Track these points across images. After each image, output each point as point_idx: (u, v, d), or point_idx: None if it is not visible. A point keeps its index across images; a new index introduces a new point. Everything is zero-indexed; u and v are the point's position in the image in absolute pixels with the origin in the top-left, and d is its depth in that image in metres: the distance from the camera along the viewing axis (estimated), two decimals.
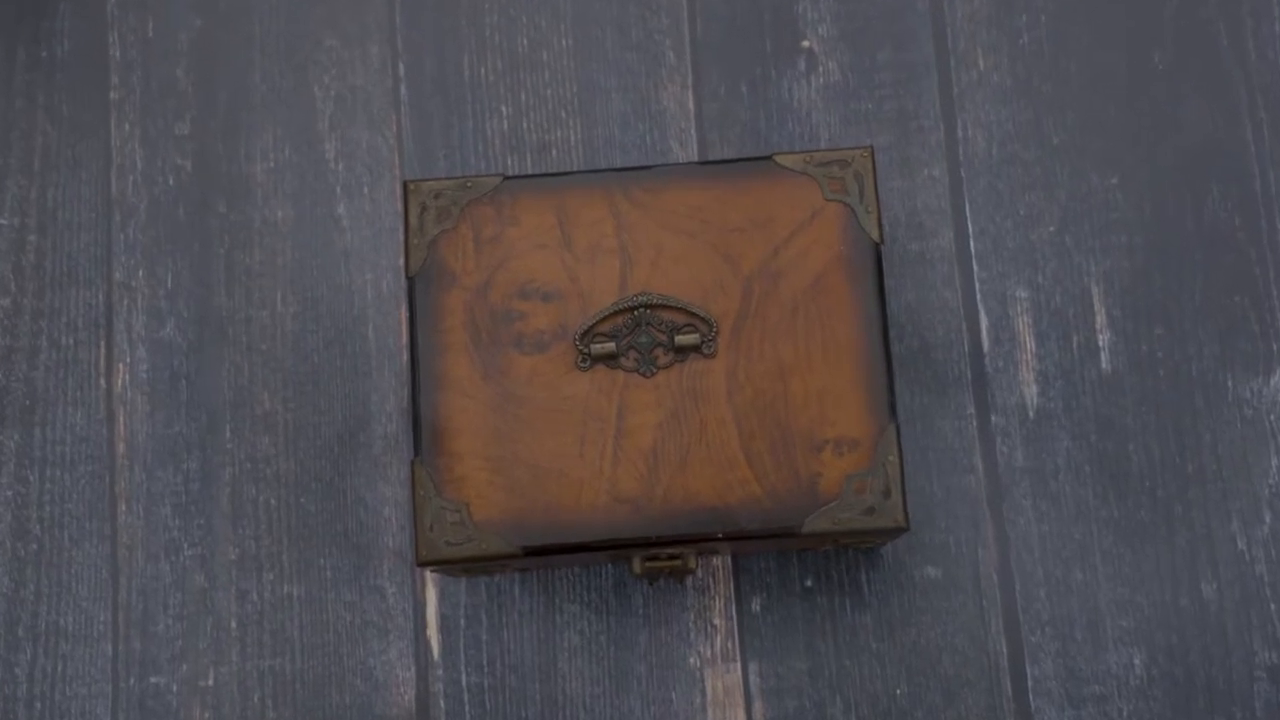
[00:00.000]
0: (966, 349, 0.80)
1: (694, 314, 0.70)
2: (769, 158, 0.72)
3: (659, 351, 0.70)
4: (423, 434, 0.70)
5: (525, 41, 0.85)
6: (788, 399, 0.69)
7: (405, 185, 0.72)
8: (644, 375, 0.70)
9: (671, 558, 0.71)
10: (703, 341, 0.70)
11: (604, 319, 0.70)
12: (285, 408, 0.81)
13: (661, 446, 0.69)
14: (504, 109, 0.84)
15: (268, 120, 0.84)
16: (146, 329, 0.82)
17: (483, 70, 0.85)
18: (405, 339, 0.81)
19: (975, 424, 0.80)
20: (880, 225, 0.71)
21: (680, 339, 0.70)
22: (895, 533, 0.69)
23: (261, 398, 0.81)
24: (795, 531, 0.68)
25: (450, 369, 0.70)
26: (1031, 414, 0.80)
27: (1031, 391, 0.80)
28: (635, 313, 0.70)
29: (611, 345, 0.70)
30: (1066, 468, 0.79)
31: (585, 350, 0.70)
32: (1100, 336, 0.80)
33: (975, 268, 0.81)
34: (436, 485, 0.69)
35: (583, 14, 0.85)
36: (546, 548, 0.69)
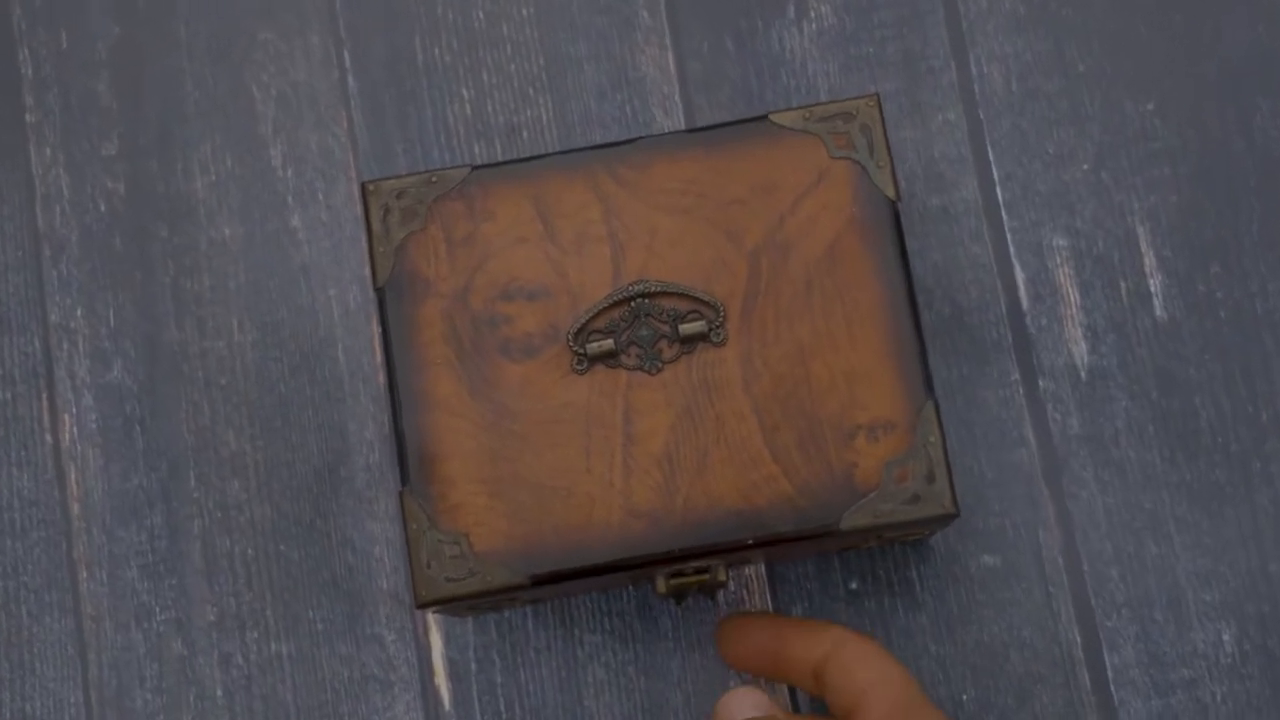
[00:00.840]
0: (1004, 309, 0.80)
1: (698, 299, 0.70)
2: (764, 118, 0.72)
3: (663, 344, 0.70)
4: (409, 461, 0.69)
5: (481, 15, 0.85)
6: (811, 383, 0.69)
7: (363, 187, 0.72)
8: (649, 372, 0.70)
9: (699, 572, 0.71)
10: (710, 329, 0.70)
11: (598, 314, 0.70)
12: (254, 447, 0.81)
13: (676, 450, 0.69)
14: (465, 92, 0.84)
15: (204, 130, 0.84)
16: (91, 374, 0.82)
17: (437, 51, 0.85)
18: (380, 358, 0.81)
19: (1022, 392, 0.80)
20: (895, 181, 0.71)
21: (685, 328, 0.70)
22: (944, 520, 0.69)
23: (226, 438, 0.81)
24: (833, 530, 0.68)
25: (433, 386, 0.70)
26: (1083, 374, 0.80)
27: (1081, 349, 0.80)
28: (633, 304, 0.70)
29: (609, 342, 0.70)
30: (1128, 431, 0.79)
31: (581, 351, 0.70)
32: (1151, 281, 0.80)
33: (1005, 218, 0.81)
34: (430, 516, 0.69)
35: None
36: (558, 574, 0.69)
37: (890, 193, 0.71)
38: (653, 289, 0.70)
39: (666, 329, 0.70)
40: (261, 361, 0.82)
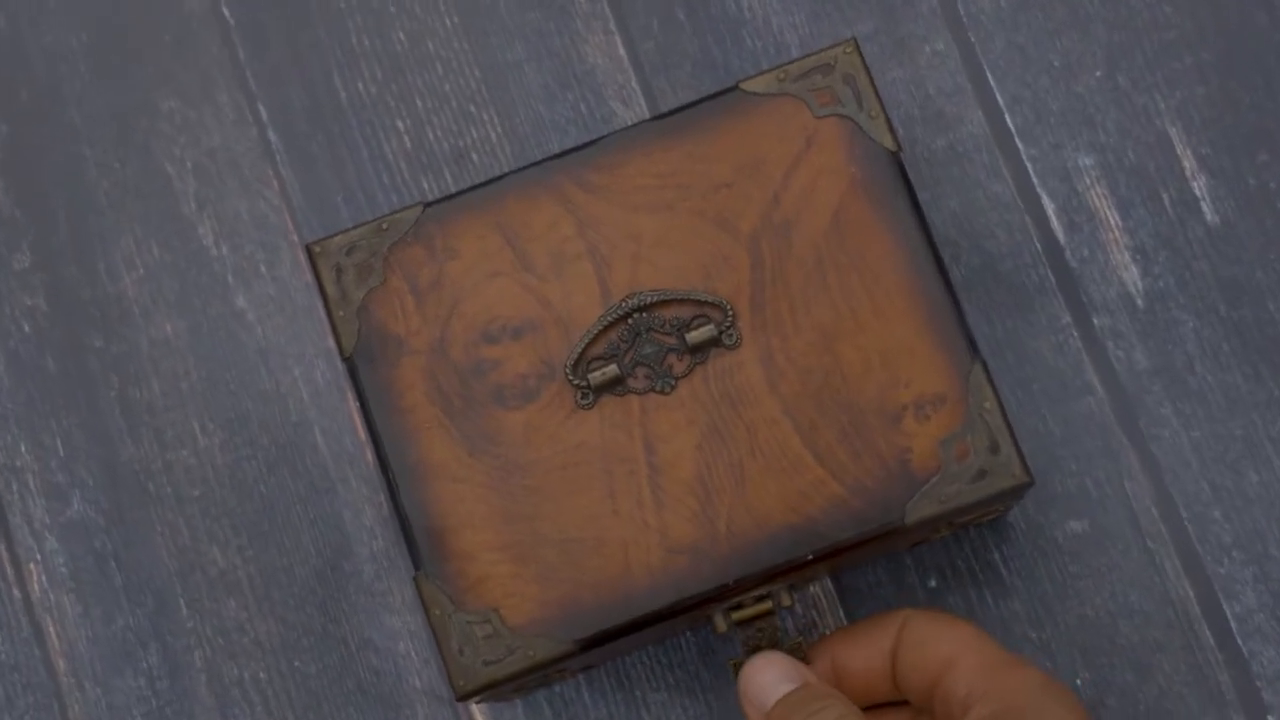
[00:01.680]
0: (1039, 247, 0.80)
1: (701, 301, 0.70)
2: (735, 88, 0.72)
3: (672, 359, 0.70)
4: (418, 541, 0.69)
5: (402, 36, 0.85)
6: (843, 370, 0.69)
7: (309, 249, 0.72)
8: (662, 392, 0.70)
9: (759, 600, 0.70)
10: (720, 331, 0.70)
11: (594, 339, 0.70)
12: (244, 559, 0.81)
13: (708, 471, 0.69)
14: (399, 123, 0.84)
15: (121, 221, 0.84)
16: (49, 513, 0.82)
17: (360, 85, 0.85)
18: (363, 433, 0.81)
19: (1076, 334, 0.79)
20: (892, 129, 0.71)
21: (692, 336, 0.69)
22: (1019, 492, 0.69)
23: (212, 555, 0.81)
24: (898, 526, 0.68)
25: (427, 453, 0.70)
26: (1140, 302, 0.79)
27: (1132, 275, 0.80)
28: (630, 321, 0.70)
29: (613, 368, 0.70)
30: (1201, 354, 0.79)
31: (583, 383, 0.70)
32: (1194, 184, 0.80)
33: (1020, 146, 0.81)
34: (453, 598, 0.69)
35: None
36: (606, 634, 0.68)
37: (888, 143, 0.71)
38: (648, 300, 0.70)
39: (673, 341, 0.70)
40: (234, 463, 0.82)
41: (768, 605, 0.70)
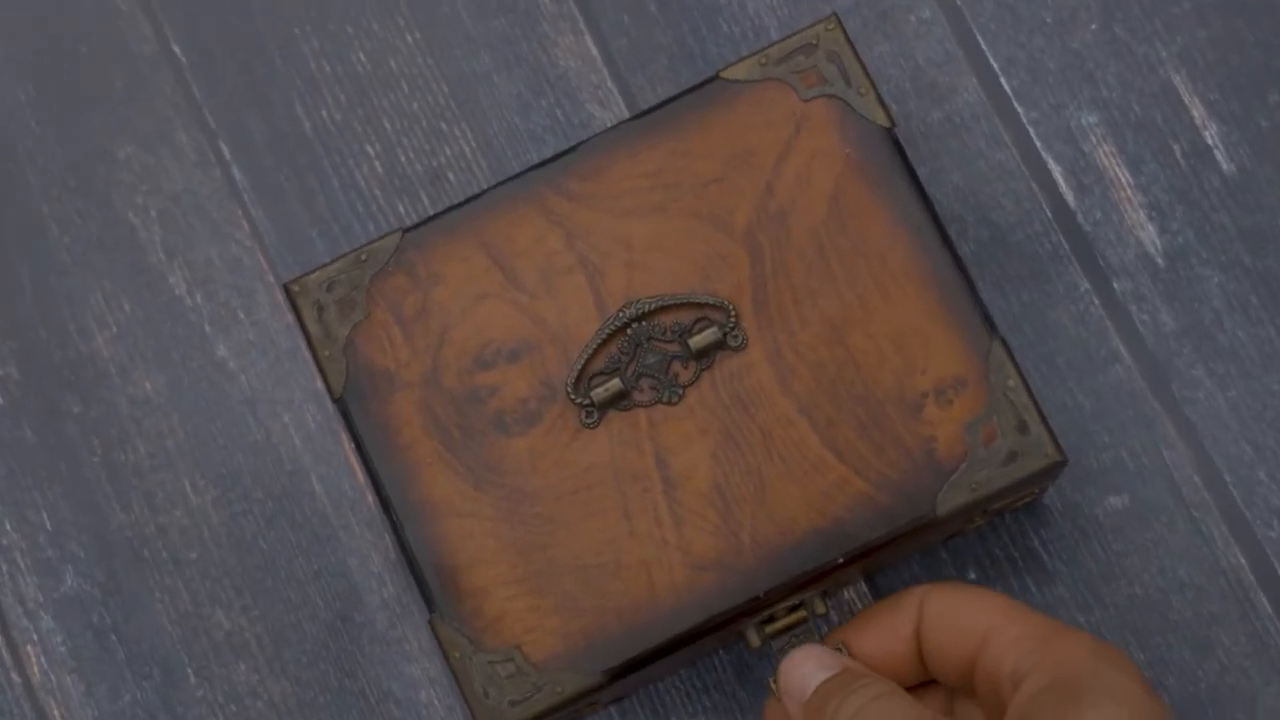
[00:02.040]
0: (1049, 214, 0.80)
1: (701, 304, 0.70)
2: (715, 79, 0.72)
3: (676, 367, 0.70)
4: (429, 583, 0.69)
5: (362, 57, 0.85)
6: (856, 361, 0.69)
7: (286, 289, 0.72)
8: (669, 403, 0.69)
9: (792, 611, 0.70)
10: (725, 334, 0.69)
11: (594, 354, 0.70)
12: (250, 620, 0.81)
13: (725, 481, 0.69)
14: (369, 148, 0.84)
15: (88, 278, 0.84)
16: (42, 591, 0.82)
17: (324, 113, 0.84)
18: (362, 476, 0.81)
19: (1097, 301, 0.79)
20: (884, 105, 0.71)
21: (696, 341, 0.69)
22: (1052, 472, 0.69)
23: (216, 619, 0.81)
24: (929, 519, 0.68)
25: (430, 490, 0.70)
26: (1160, 261, 0.79)
27: (1149, 233, 0.80)
28: (629, 331, 0.70)
29: (616, 382, 0.69)
30: (1229, 309, 0.79)
31: (586, 402, 0.69)
32: (1206, 133, 0.80)
33: (1019, 110, 0.81)
34: (472, 638, 0.69)
35: None
36: (634, 662, 0.68)
37: (881, 120, 0.71)
38: (646, 308, 0.70)
39: (676, 348, 0.70)
40: (230, 520, 0.82)
41: (801, 614, 0.70)
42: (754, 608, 0.68)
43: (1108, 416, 0.78)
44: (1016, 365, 0.68)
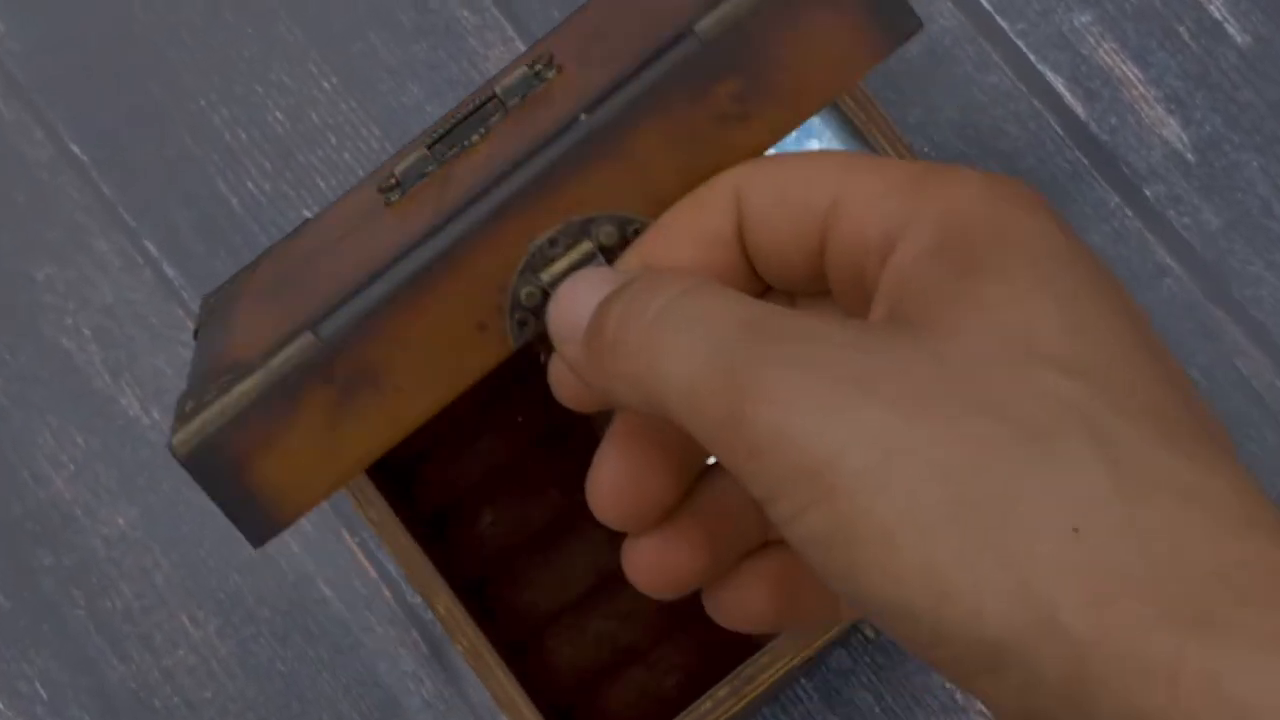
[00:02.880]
0: (1059, 130, 0.80)
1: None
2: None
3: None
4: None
5: (279, 115, 0.85)
6: None
7: None
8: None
9: (570, 247, 0.50)
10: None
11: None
12: None
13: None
14: (306, 212, 0.84)
15: (30, 416, 0.84)
16: None
17: (250, 184, 0.84)
18: (374, 571, 0.81)
19: (1130, 212, 0.79)
20: None
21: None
22: None
23: None
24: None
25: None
26: (1190, 156, 0.80)
27: (1172, 128, 0.80)
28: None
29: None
30: (1276, 192, 0.79)
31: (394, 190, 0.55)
32: (1211, 6, 0.80)
33: (1004, 26, 0.81)
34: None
35: (325, 35, 0.85)
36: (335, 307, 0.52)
37: None
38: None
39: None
40: (240, 648, 0.82)
41: (587, 246, 0.48)
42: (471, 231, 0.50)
43: (1168, 334, 0.79)
44: None
